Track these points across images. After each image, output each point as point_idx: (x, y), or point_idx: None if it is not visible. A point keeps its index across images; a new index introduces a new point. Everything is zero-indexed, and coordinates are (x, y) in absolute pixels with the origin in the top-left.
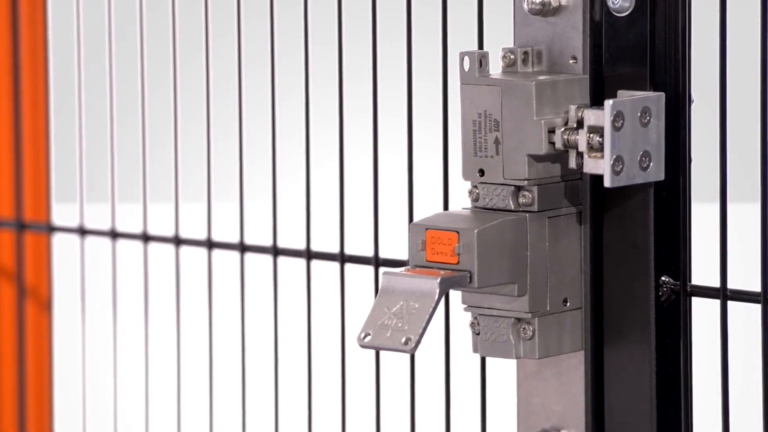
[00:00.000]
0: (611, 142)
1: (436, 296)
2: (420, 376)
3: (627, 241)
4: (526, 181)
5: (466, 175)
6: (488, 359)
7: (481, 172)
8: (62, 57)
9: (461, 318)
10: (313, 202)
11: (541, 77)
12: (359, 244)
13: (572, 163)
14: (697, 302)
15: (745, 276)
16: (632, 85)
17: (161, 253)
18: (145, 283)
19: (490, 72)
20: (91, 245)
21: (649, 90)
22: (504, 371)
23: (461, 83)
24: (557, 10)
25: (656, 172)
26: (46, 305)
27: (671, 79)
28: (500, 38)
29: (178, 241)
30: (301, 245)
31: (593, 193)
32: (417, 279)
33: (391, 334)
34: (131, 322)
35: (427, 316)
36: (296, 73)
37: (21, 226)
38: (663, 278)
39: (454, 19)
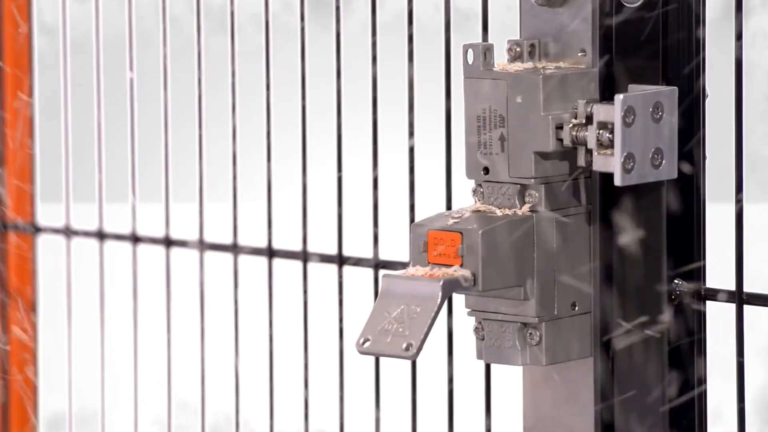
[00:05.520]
0: (622, 139)
1: (439, 300)
2: (422, 383)
3: (638, 243)
4: (532, 180)
5: (469, 174)
6: (493, 366)
7: (486, 171)
8: (48, 53)
9: (465, 323)
10: (309, 201)
11: (549, 71)
12: (358, 246)
13: (581, 161)
14: (711, 306)
15: (762, 279)
16: (644, 79)
17: (151, 254)
18: (134, 286)
19: (496, 65)
20: (78, 246)
21: (662, 84)
22: (510, 379)
23: (465, 77)
24: (565, 0)
25: (669, 170)
26: (30, 308)
27: (684, 73)
28: (506, 30)
29: (168, 242)
30: (297, 246)
31: (603, 192)
32: (418, 282)
33: (392, 339)
34: (119, 326)
35: (429, 321)
36: (293, 70)
37: (5, 227)
38: (676, 281)
39: (458, 10)
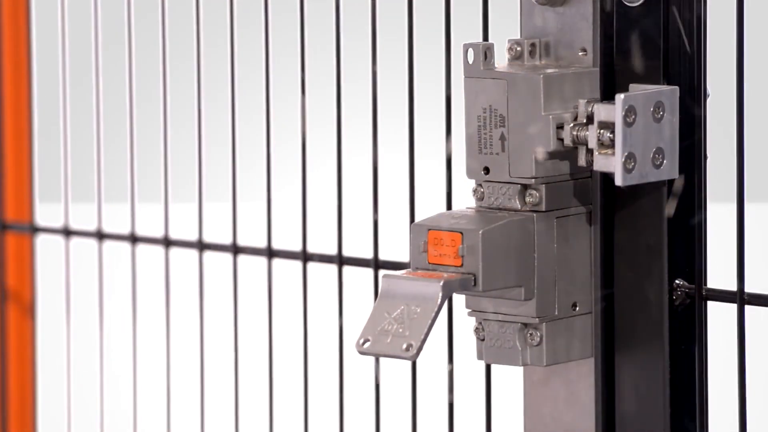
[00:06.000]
0: (623, 139)
1: (439, 300)
2: (422, 384)
3: (639, 243)
4: (533, 180)
5: (470, 173)
6: (493, 366)
7: (486, 170)
8: (47, 53)
9: (465, 323)
10: (309, 201)
11: (549, 70)
12: (358, 246)
13: (582, 161)
14: (712, 306)
15: (763, 279)
16: (645, 79)
17: (150, 255)
18: (133, 286)
19: (496, 65)
20: (77, 246)
21: (663, 83)
22: (510, 379)
23: (465, 77)
24: None
25: (670, 169)
26: (28, 309)
27: (686, 72)
28: (506, 29)
29: (167, 242)
30: (297, 247)
31: (604, 192)
32: (419, 282)
33: (392, 340)
34: (118, 327)
35: (430, 321)
36: (292, 69)
37: (3, 227)
38: (677, 281)
39: (458, 9)
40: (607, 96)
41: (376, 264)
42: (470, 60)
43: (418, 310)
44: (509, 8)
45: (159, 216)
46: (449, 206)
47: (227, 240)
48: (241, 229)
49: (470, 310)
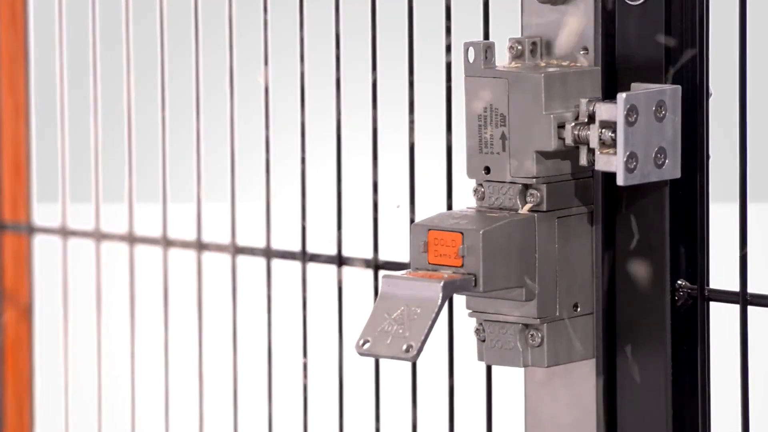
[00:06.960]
0: (624, 138)
1: (439, 301)
2: (422, 385)
3: (641, 243)
4: (534, 179)
5: (470, 173)
6: (494, 368)
7: (487, 170)
8: (44, 52)
9: (466, 324)
10: (309, 201)
11: (551, 69)
12: (357, 246)
13: (583, 160)
14: (715, 307)
15: (766, 279)
16: (647, 78)
17: (148, 255)
18: (131, 287)
19: (497, 64)
20: (74, 247)
21: (665, 83)
22: (511, 380)
23: (465, 76)
24: None
25: (672, 169)
26: (26, 310)
27: (688, 71)
28: (507, 28)
29: (166, 242)
30: (296, 247)
31: (605, 192)
32: (419, 283)
33: (392, 341)
34: (116, 328)
35: (430, 322)
36: (292, 68)
37: (0, 227)
38: (679, 282)
39: (458, 8)
40: (609, 95)
41: (376, 264)
42: (471, 59)
43: (419, 311)
44: (510, 7)
45: (157, 216)
46: (449, 206)
47: (226, 240)
48: (240, 230)
49: (471, 311)
